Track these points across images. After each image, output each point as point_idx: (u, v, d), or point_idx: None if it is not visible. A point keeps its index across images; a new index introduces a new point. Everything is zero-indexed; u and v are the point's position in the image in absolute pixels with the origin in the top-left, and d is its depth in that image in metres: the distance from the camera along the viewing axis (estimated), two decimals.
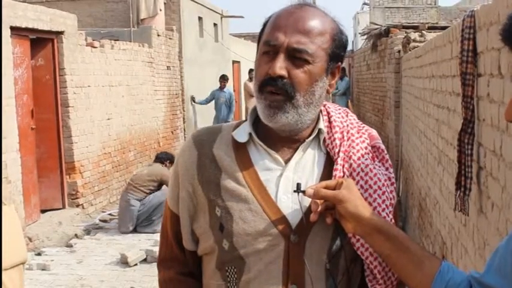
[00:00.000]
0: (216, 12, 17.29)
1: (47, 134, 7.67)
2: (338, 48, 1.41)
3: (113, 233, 7.32)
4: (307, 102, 1.37)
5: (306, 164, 1.43)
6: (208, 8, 16.27)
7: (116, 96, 9.50)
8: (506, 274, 1.12)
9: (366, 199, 1.37)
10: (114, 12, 13.08)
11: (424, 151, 5.35)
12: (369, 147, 1.47)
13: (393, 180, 1.46)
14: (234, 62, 19.34)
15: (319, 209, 1.33)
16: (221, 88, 13.79)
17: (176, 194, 1.48)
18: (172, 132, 12.61)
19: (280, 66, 1.34)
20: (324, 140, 1.45)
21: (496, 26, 2.43)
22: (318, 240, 1.38)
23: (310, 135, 1.44)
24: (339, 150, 1.43)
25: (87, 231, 7.37)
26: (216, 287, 1.44)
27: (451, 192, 3.54)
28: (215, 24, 17.13)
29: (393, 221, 1.42)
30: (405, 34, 8.49)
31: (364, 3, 31.13)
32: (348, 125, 1.48)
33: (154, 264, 5.87)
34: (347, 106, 16.31)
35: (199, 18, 15.36)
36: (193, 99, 14.06)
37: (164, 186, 7.22)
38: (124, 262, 6.04)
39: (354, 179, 1.40)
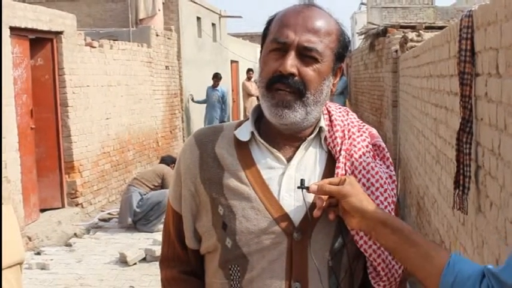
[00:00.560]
0: (214, 12, 17.30)
1: (46, 134, 7.67)
2: (342, 49, 1.42)
3: (112, 232, 7.32)
4: (315, 100, 1.38)
5: (308, 162, 1.44)
6: (206, 8, 16.28)
7: (115, 96, 9.50)
8: None
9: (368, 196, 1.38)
10: (113, 12, 13.08)
11: (422, 150, 5.36)
12: (370, 146, 1.48)
13: (394, 178, 1.48)
14: (232, 61, 19.37)
15: (323, 204, 1.34)
16: (214, 86, 13.78)
17: (178, 193, 1.48)
18: (171, 131, 12.61)
19: (291, 64, 1.34)
20: (325, 139, 1.46)
21: (494, 26, 2.45)
22: (320, 238, 1.38)
23: (311, 133, 1.45)
24: (341, 149, 1.44)
25: (87, 231, 7.38)
26: (219, 286, 1.43)
27: (449, 191, 3.55)
28: (213, 24, 17.14)
29: None
30: (402, 34, 8.51)
31: (362, 3, 31.11)
32: (348, 124, 1.49)
33: (154, 263, 5.94)
34: (345, 105, 16.27)
35: (198, 18, 15.37)
36: (192, 98, 14.08)
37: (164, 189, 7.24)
38: (123, 261, 6.04)
39: (355, 176, 1.40)
